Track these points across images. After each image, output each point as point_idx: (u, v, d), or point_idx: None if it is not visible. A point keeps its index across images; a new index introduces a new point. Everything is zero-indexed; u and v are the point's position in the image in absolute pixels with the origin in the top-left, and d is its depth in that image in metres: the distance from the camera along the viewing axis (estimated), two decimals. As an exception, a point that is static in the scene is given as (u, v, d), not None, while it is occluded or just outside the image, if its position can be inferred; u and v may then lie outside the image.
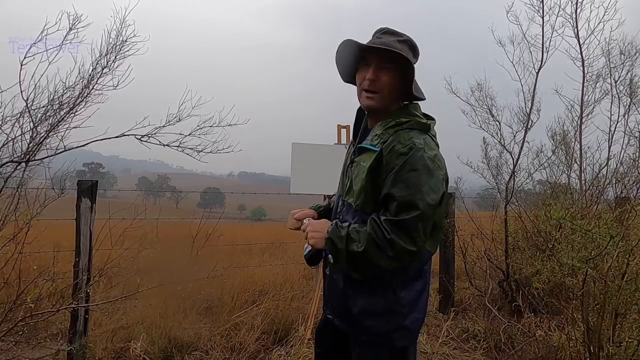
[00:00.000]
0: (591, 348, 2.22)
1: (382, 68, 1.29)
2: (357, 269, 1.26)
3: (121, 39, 2.40)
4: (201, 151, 2.57)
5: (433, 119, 1.38)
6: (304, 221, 1.44)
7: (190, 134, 2.54)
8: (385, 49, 1.25)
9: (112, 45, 2.38)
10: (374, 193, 1.26)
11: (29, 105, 2.16)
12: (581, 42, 3.86)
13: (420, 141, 1.23)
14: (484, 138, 4.07)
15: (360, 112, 1.46)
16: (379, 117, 1.36)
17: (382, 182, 1.23)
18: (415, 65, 1.31)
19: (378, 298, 1.29)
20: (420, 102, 1.39)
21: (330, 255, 1.30)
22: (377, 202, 1.26)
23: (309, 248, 1.43)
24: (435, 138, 1.35)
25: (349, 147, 1.53)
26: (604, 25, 3.78)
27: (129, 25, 2.39)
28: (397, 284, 1.28)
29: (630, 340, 2.12)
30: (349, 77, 1.43)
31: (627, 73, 3.98)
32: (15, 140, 2.18)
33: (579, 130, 3.98)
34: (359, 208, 1.30)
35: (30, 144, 2.20)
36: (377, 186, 1.25)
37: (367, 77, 1.30)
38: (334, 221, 1.32)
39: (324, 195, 2.97)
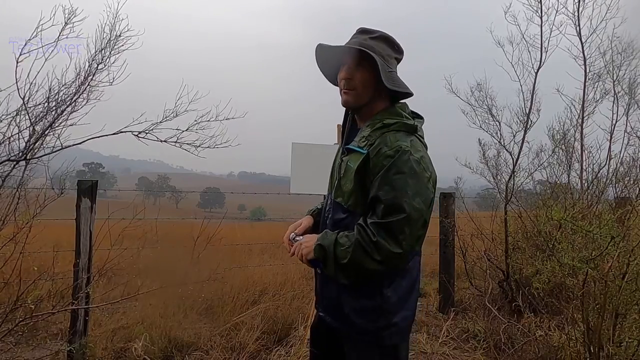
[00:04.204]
0: (591, 348, 2.22)
1: (356, 67, 1.32)
2: (345, 274, 1.27)
3: (115, 33, 2.39)
4: (199, 146, 2.55)
5: (421, 118, 1.39)
6: (294, 237, 1.43)
7: (187, 129, 2.52)
8: (353, 48, 1.29)
9: (106, 40, 2.37)
10: (363, 194, 1.28)
11: (25, 103, 2.15)
12: (583, 40, 3.87)
13: (407, 143, 1.24)
14: (479, 139, 4.07)
15: (348, 110, 1.47)
16: (365, 116, 1.37)
17: (370, 184, 1.25)
18: (396, 58, 1.35)
19: (366, 298, 1.30)
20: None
21: (321, 265, 1.32)
22: (365, 202, 1.27)
23: None
24: (423, 139, 1.36)
25: (340, 144, 1.54)
26: (606, 24, 3.78)
27: (122, 19, 2.40)
28: (383, 283, 1.29)
29: (630, 340, 2.12)
30: (334, 79, 1.45)
31: (624, 73, 3.99)
32: (13, 139, 2.17)
33: (580, 129, 3.98)
34: (351, 209, 1.32)
35: (28, 142, 2.19)
36: (365, 188, 1.27)
37: (340, 77, 1.35)
38: (324, 231, 1.33)
39: (324, 195, 2.97)
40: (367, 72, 1.32)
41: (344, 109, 1.46)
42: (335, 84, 1.46)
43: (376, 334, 1.31)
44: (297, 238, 1.43)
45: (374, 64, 1.29)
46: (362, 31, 1.35)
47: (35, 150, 2.23)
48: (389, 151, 1.22)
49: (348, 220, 1.32)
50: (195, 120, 2.51)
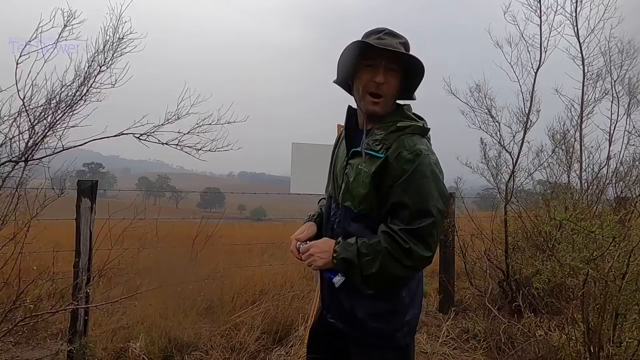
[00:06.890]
0: (591, 348, 2.22)
1: (390, 70, 1.27)
2: (372, 284, 1.24)
3: (118, 36, 2.39)
4: (200, 149, 2.55)
5: (424, 120, 1.37)
6: (299, 245, 1.39)
7: (189, 132, 2.52)
8: (398, 52, 1.24)
9: (109, 42, 2.37)
10: (378, 198, 1.26)
11: (26, 105, 2.15)
12: (581, 40, 3.87)
13: (424, 147, 1.25)
14: (481, 139, 4.07)
15: (351, 110, 1.43)
16: (372, 118, 1.34)
17: (388, 188, 1.23)
18: None
19: (382, 300, 1.29)
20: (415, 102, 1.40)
21: (338, 275, 1.27)
22: (380, 206, 1.26)
23: None
24: (430, 140, 1.35)
25: (338, 145, 1.50)
26: (604, 24, 3.79)
27: (125, 22, 2.40)
28: (399, 285, 1.29)
29: (630, 340, 2.12)
30: (343, 80, 1.40)
31: (625, 72, 3.99)
32: (13, 140, 2.17)
33: (579, 129, 3.98)
34: (363, 213, 1.29)
35: (28, 143, 2.19)
36: (381, 191, 1.25)
37: (377, 80, 1.26)
38: (339, 239, 1.29)
39: (322, 198, 2.96)
40: (398, 78, 1.30)
41: (346, 108, 1.43)
42: (339, 83, 1.41)
43: (391, 335, 1.30)
44: (303, 245, 1.38)
45: (402, 69, 1.28)
46: (389, 33, 1.28)
47: (36, 151, 2.23)
48: (409, 155, 1.21)
49: (359, 226, 1.29)
50: (197, 124, 2.51)
